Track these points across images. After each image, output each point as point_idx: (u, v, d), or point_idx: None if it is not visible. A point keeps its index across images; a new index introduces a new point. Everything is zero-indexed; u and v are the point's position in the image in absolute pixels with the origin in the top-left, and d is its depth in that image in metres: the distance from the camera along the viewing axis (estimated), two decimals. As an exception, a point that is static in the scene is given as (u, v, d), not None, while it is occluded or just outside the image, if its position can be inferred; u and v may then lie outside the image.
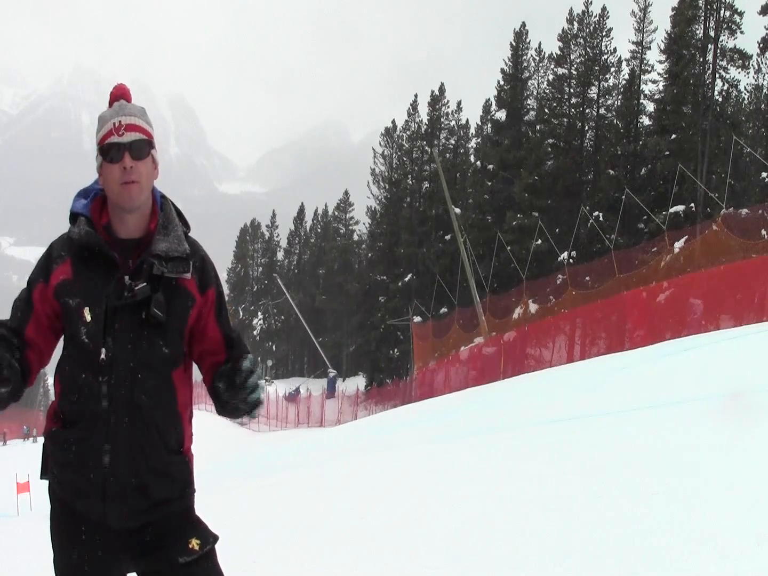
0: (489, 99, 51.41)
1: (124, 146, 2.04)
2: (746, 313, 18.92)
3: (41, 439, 2.23)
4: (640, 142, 38.88)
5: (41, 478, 2.17)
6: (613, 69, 42.18)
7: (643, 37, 39.84)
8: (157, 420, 2.05)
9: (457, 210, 42.13)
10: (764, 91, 39.38)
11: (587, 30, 42.00)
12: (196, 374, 2.30)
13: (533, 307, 32.47)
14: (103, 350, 2.00)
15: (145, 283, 2.02)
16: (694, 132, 34.60)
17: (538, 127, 43.94)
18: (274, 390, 51.96)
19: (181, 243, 2.10)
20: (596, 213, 36.82)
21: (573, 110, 42.58)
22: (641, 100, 40.33)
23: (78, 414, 2.03)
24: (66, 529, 2.08)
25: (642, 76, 40.10)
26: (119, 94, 2.12)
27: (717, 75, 34.88)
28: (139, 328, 2.03)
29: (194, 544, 2.07)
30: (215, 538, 2.14)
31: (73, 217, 2.12)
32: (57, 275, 2.06)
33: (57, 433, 2.07)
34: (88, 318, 2.02)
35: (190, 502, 2.17)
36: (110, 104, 2.12)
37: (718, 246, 23.11)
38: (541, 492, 5.06)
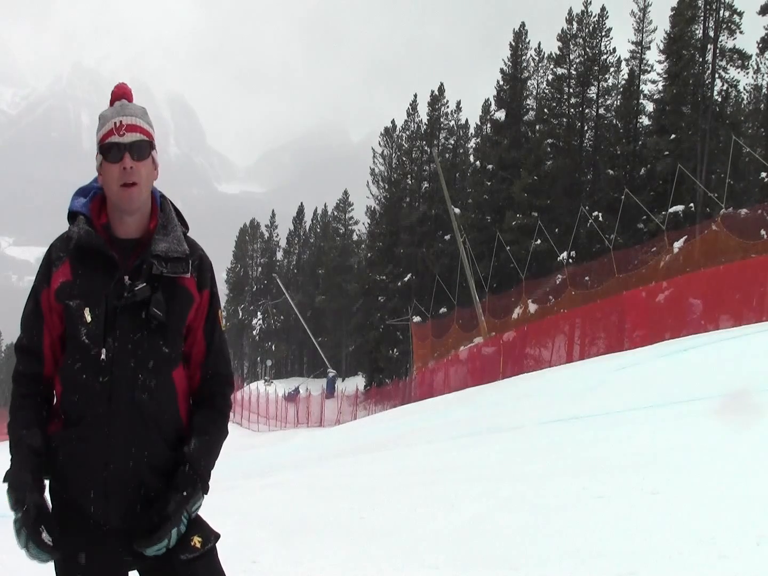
0: (488, 99, 51.43)
1: (125, 146, 2.04)
2: (746, 313, 18.88)
3: None
4: (640, 142, 38.92)
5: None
6: (612, 69, 42.27)
7: (642, 37, 39.90)
8: (158, 419, 2.06)
9: (457, 210, 42.11)
10: (764, 91, 39.41)
11: (586, 30, 42.06)
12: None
13: (533, 307, 32.48)
14: (104, 351, 2.01)
15: (145, 283, 2.02)
16: (694, 132, 34.62)
17: (537, 127, 43.98)
18: (273, 390, 51.98)
19: (180, 243, 2.11)
20: (596, 213, 36.84)
21: (572, 110, 42.62)
22: (641, 100, 40.37)
23: (79, 414, 2.03)
24: (67, 529, 2.07)
25: (641, 76, 40.15)
26: (120, 94, 2.12)
27: (716, 75, 34.93)
28: (140, 328, 2.03)
29: (196, 541, 2.07)
30: (217, 536, 2.14)
31: (72, 215, 2.12)
32: (57, 278, 2.06)
33: (58, 433, 2.07)
34: (89, 319, 2.02)
35: None
36: (111, 103, 2.12)
37: (718, 246, 23.11)
38: (541, 492, 5.06)
